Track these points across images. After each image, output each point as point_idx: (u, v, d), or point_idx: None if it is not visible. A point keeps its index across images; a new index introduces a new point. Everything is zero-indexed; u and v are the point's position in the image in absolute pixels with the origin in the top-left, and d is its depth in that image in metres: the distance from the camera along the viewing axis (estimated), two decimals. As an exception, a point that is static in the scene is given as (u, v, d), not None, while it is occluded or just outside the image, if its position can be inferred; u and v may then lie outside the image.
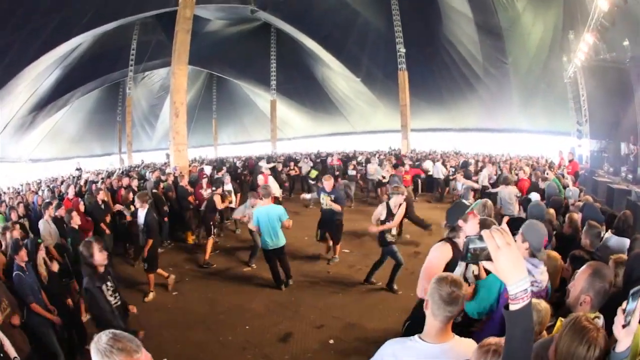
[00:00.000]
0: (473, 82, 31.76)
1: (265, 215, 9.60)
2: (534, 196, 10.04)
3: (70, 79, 31.65)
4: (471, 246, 2.10)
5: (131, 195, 12.64)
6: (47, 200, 11.63)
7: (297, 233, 13.12)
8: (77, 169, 28.88)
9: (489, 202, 7.02)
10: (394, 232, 9.42)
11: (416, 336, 3.01)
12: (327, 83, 40.78)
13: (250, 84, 43.47)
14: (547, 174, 13.78)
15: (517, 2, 25.71)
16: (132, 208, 11.99)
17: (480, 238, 2.07)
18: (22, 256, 6.53)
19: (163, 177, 16.26)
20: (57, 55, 27.65)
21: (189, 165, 22.65)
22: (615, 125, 19.37)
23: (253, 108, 46.86)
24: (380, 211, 9.35)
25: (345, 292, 9.61)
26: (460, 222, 4.65)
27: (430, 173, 21.60)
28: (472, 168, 19.74)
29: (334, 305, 8.91)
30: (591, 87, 21.15)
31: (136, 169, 27.28)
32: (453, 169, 20.80)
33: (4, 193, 19.94)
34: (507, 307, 2.01)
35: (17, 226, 9.18)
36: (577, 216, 7.00)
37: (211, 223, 12.77)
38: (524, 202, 8.74)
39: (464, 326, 4.40)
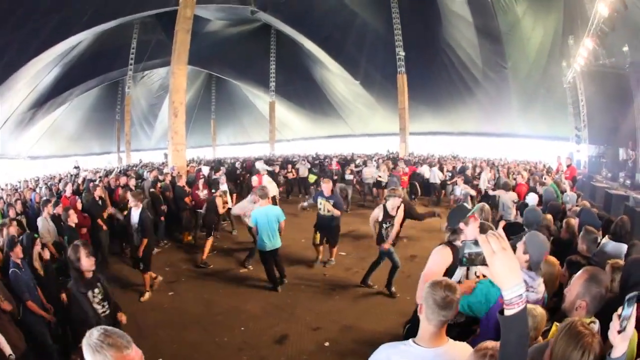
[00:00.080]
0: (472, 86, 31.79)
1: (264, 216, 9.62)
2: (531, 200, 10.06)
3: (70, 76, 31.65)
4: (466, 251, 2.10)
5: (128, 194, 12.62)
6: (45, 198, 11.61)
7: (294, 235, 13.17)
8: (75, 167, 28.79)
9: (487, 206, 7.06)
10: (391, 232, 9.30)
11: (410, 340, 3.01)
12: (326, 85, 40.78)
13: (249, 85, 43.45)
14: (545, 179, 13.79)
15: (517, 6, 25.76)
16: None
17: (476, 243, 2.07)
18: (18, 253, 6.53)
19: (161, 177, 16.23)
20: (57, 53, 27.67)
21: (187, 166, 22.62)
22: (613, 131, 19.39)
23: (252, 109, 46.84)
24: (377, 213, 9.31)
25: (342, 295, 9.60)
26: (461, 225, 4.74)
27: (427, 177, 21.57)
28: (469, 172, 19.74)
29: (330, 308, 8.91)
30: (590, 92, 21.19)
31: (134, 168, 27.25)
32: (450, 174, 20.80)
33: (2, 190, 19.90)
34: (502, 312, 2.01)
35: (14, 223, 9.20)
36: (575, 221, 7.00)
37: (212, 224, 12.81)
38: (521, 207, 8.74)
39: (462, 326, 4.42)
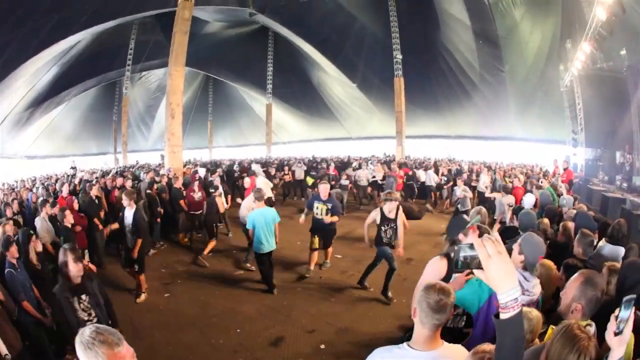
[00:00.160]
0: (469, 90, 31.85)
1: (261, 218, 9.65)
2: (528, 201, 10.06)
3: (68, 76, 31.68)
4: (462, 254, 2.10)
5: (134, 195, 12.61)
6: (43, 198, 11.62)
7: (290, 238, 13.20)
8: (72, 168, 28.77)
9: (483, 209, 7.10)
10: (389, 234, 9.28)
11: (405, 344, 2.99)
12: (323, 88, 40.82)
13: (246, 87, 43.41)
14: (542, 182, 13.80)
15: (515, 10, 25.80)
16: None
17: (471, 246, 2.07)
18: (13, 252, 6.53)
19: (157, 178, 16.22)
20: (56, 52, 27.68)
21: (184, 167, 22.60)
22: (610, 134, 19.47)
23: (249, 111, 46.80)
24: (375, 216, 9.29)
25: (337, 298, 9.60)
26: (460, 236, 4.77)
27: (423, 180, 21.58)
28: (465, 176, 19.74)
29: (325, 311, 8.90)
30: (587, 95, 21.28)
31: (131, 169, 27.23)
32: (445, 178, 20.79)
33: (-1, 189, 19.90)
34: (497, 315, 2.00)
35: (10, 222, 9.18)
36: (571, 225, 7.00)
37: (214, 224, 12.92)
38: (517, 211, 8.74)
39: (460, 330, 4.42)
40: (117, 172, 24.42)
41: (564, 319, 3.36)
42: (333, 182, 19.37)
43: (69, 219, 9.37)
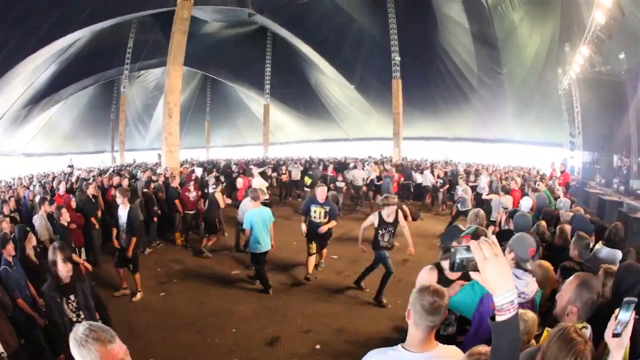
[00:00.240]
0: (467, 92, 31.84)
1: (259, 217, 9.67)
2: (526, 204, 10.06)
3: (66, 74, 31.75)
4: (458, 256, 2.09)
5: (116, 191, 12.56)
6: (42, 196, 11.61)
7: (286, 238, 13.15)
8: (69, 166, 28.75)
9: (481, 211, 7.11)
10: (386, 238, 9.24)
11: (399, 345, 2.99)
12: (320, 89, 40.85)
13: (244, 87, 43.45)
14: (538, 185, 13.81)
15: (514, 13, 25.80)
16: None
17: (468, 248, 2.06)
18: (10, 250, 6.52)
19: (154, 178, 16.21)
20: (55, 50, 27.72)
21: (180, 167, 22.59)
22: (608, 138, 19.49)
23: (247, 111, 46.87)
24: (372, 220, 9.24)
25: (333, 298, 9.61)
26: (454, 244, 4.70)
27: (419, 182, 21.56)
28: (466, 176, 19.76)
29: (321, 311, 8.90)
30: (585, 99, 21.30)
31: (128, 168, 27.21)
32: (441, 180, 20.76)
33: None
34: (493, 318, 2.00)
35: (7, 219, 9.18)
36: (568, 227, 7.00)
37: (216, 219, 13.06)
38: (512, 214, 8.74)
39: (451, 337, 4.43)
40: (114, 170, 24.39)
41: (559, 321, 3.36)
42: (332, 186, 19.37)
43: (65, 217, 9.35)
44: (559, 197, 11.71)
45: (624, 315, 2.43)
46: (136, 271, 9.59)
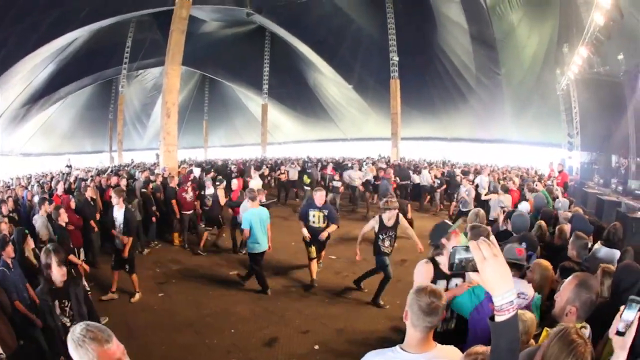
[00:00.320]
0: (465, 92, 31.86)
1: (257, 217, 9.66)
2: (523, 207, 10.06)
3: (65, 73, 31.74)
4: (457, 257, 2.08)
5: (111, 191, 12.50)
6: (42, 196, 11.60)
7: (285, 238, 13.16)
8: (68, 166, 28.73)
9: (482, 211, 7.14)
10: (387, 243, 9.13)
11: (397, 346, 2.99)
12: (318, 89, 40.88)
13: (242, 87, 43.48)
14: (536, 185, 13.80)
15: (512, 14, 25.81)
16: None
17: (467, 249, 2.05)
18: (9, 252, 6.51)
19: (152, 178, 16.19)
20: (54, 48, 27.75)
21: (179, 167, 22.58)
22: (606, 138, 19.51)
23: (245, 111, 46.89)
24: (373, 224, 9.11)
25: (331, 299, 9.61)
26: (443, 241, 4.82)
27: (417, 181, 21.54)
28: (458, 179, 19.71)
29: (319, 311, 8.91)
30: (583, 99, 21.29)
31: (126, 168, 27.20)
32: (438, 181, 20.73)
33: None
34: (492, 318, 1.99)
35: (6, 219, 9.18)
36: (568, 227, 7.00)
37: (219, 216, 13.27)
38: (510, 214, 8.72)
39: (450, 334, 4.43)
40: (112, 170, 24.38)
41: (558, 321, 3.36)
42: (330, 185, 19.33)
43: (63, 218, 9.31)
44: (557, 197, 11.70)
45: (628, 315, 2.42)
46: (133, 272, 9.56)
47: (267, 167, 27.08)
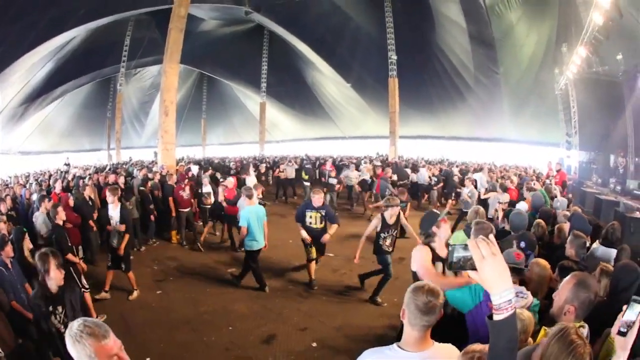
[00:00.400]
0: (463, 91, 31.90)
1: (254, 215, 9.66)
2: (522, 206, 10.07)
3: (63, 72, 31.67)
4: (456, 255, 2.08)
5: (118, 192, 12.51)
6: (42, 194, 11.63)
7: (282, 236, 13.21)
8: (66, 164, 28.73)
9: (481, 209, 7.18)
10: (388, 242, 9.08)
11: (395, 345, 2.99)
12: (317, 87, 40.92)
13: (240, 85, 43.49)
14: (534, 184, 13.81)
15: (511, 13, 25.82)
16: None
17: (465, 247, 2.05)
18: (8, 252, 6.47)
19: (150, 175, 16.18)
20: (53, 47, 27.69)
21: (177, 165, 22.56)
22: (604, 137, 19.54)
23: (243, 109, 46.89)
24: (376, 224, 9.01)
25: (329, 296, 9.62)
26: (434, 229, 5.10)
27: (415, 180, 21.50)
28: (456, 178, 19.69)
29: (317, 309, 8.91)
30: (582, 99, 21.31)
31: (124, 166, 27.19)
32: (435, 179, 20.69)
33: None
34: (490, 316, 1.99)
35: (4, 218, 9.18)
36: (567, 226, 7.01)
37: (221, 212, 13.30)
38: (507, 213, 8.70)
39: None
40: (110, 168, 24.36)
41: (556, 320, 3.36)
42: (324, 179, 19.34)
43: (60, 216, 9.26)
44: (555, 197, 11.71)
45: (630, 315, 2.43)
46: (129, 270, 9.54)
47: (266, 165, 27.06)
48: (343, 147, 41.91)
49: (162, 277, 10.84)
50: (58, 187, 13.70)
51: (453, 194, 18.90)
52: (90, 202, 12.32)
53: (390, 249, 9.17)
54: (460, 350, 2.76)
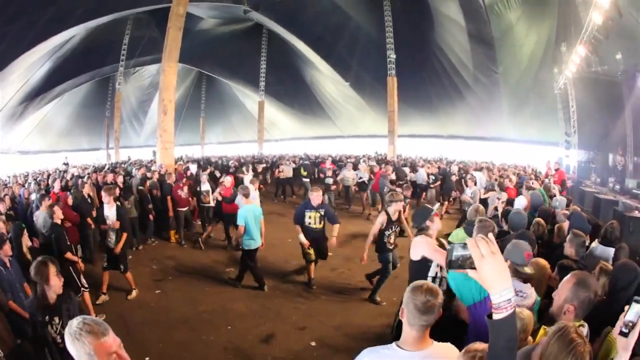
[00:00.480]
0: (462, 90, 31.90)
1: (252, 214, 9.64)
2: (520, 203, 10.07)
3: (62, 71, 31.66)
4: (455, 254, 2.07)
5: (117, 191, 12.48)
6: (42, 193, 11.63)
7: (281, 235, 13.17)
8: (64, 164, 28.73)
9: (481, 207, 7.17)
10: (392, 238, 9.01)
11: (393, 344, 2.99)
12: (315, 86, 41.00)
13: (239, 84, 43.51)
14: (533, 183, 13.80)
15: (510, 13, 25.81)
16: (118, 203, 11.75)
17: (464, 246, 2.04)
18: (6, 251, 6.43)
19: (149, 175, 16.17)
20: (52, 46, 27.68)
21: (175, 164, 22.56)
22: (603, 137, 19.54)
23: (241, 108, 46.94)
24: (382, 221, 8.80)
25: (328, 295, 9.61)
26: (427, 223, 5.35)
27: (414, 179, 21.45)
28: (454, 178, 19.67)
29: (316, 308, 8.92)
30: (581, 98, 21.32)
31: (123, 165, 27.19)
32: (433, 177, 20.66)
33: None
34: (490, 316, 1.99)
35: (3, 217, 9.17)
36: (567, 225, 7.01)
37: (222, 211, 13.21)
38: (506, 214, 8.66)
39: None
40: (109, 168, 24.37)
41: (556, 319, 3.36)
42: (322, 175, 19.33)
43: (58, 215, 9.24)
44: (554, 196, 11.71)
45: (631, 316, 2.42)
46: (126, 270, 9.51)
47: (265, 166, 27.07)
48: (342, 146, 41.93)
49: (161, 276, 10.83)
50: (57, 187, 13.72)
51: (451, 195, 18.90)
52: (89, 200, 12.32)
53: (393, 246, 9.08)
54: (460, 350, 2.75)
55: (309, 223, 9.92)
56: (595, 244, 6.34)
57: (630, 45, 15.90)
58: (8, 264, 6.42)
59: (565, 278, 3.56)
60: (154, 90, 38.89)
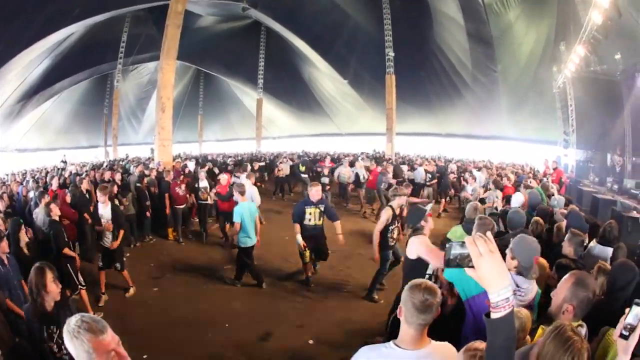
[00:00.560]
0: (461, 89, 31.92)
1: (248, 211, 9.64)
2: (517, 201, 10.07)
3: (60, 68, 31.58)
4: (453, 252, 2.06)
5: (115, 188, 12.46)
6: (41, 190, 11.62)
7: (279, 233, 13.23)
8: (63, 161, 28.71)
9: (480, 205, 7.13)
10: (395, 234, 8.91)
11: (391, 342, 2.98)
12: (314, 84, 40.98)
13: (237, 82, 43.43)
14: (531, 182, 13.80)
15: (509, 11, 25.80)
16: (116, 201, 11.70)
17: (463, 244, 2.03)
18: (4, 247, 6.39)
19: (147, 172, 16.15)
20: (50, 44, 27.62)
21: (173, 161, 22.54)
22: (602, 136, 19.55)
23: (240, 106, 46.92)
24: (387, 217, 8.62)
25: (326, 293, 9.61)
26: (422, 223, 5.53)
27: (412, 178, 21.42)
28: (452, 177, 19.66)
29: (314, 306, 8.93)
30: (580, 97, 21.32)
31: (121, 162, 27.18)
32: (430, 175, 20.63)
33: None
34: (488, 315, 1.98)
35: (2, 216, 9.20)
36: (564, 224, 7.01)
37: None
38: (503, 214, 8.63)
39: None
40: (107, 165, 24.35)
41: (554, 319, 3.36)
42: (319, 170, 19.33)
43: (55, 212, 9.21)
44: (553, 195, 11.70)
45: (631, 319, 2.41)
46: (123, 269, 9.48)
47: (264, 165, 27.05)
48: (339, 143, 41.95)
49: (159, 274, 10.83)
50: (55, 184, 13.68)
51: (448, 193, 18.92)
52: (87, 196, 12.32)
53: (395, 242, 9.01)
54: (458, 349, 2.75)
55: (309, 220, 9.73)
56: (593, 243, 6.34)
57: (630, 45, 15.92)
58: (6, 261, 6.38)
59: (564, 277, 3.55)
60: (152, 88, 38.86)
